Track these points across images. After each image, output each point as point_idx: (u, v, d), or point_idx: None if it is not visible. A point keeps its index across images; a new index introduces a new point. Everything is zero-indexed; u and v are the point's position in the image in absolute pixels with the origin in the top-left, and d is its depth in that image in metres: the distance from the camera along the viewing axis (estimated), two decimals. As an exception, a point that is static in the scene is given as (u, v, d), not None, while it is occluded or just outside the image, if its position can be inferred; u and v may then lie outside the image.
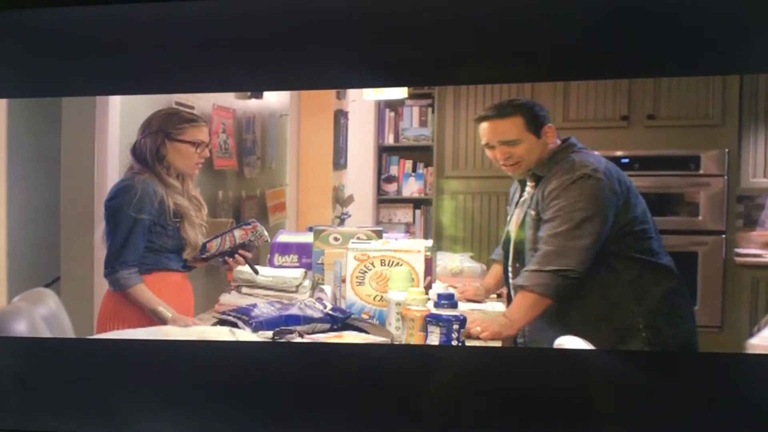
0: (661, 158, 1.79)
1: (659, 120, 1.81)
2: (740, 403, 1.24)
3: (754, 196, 1.71)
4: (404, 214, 2.26)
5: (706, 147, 1.77)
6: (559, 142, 1.60)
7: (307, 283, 1.79)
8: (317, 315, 1.56)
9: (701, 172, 1.77)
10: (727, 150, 1.74)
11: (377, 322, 1.63)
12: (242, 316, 1.55)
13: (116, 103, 1.77)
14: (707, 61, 1.30)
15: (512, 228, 1.66)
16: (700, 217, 1.77)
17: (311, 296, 1.73)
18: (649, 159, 1.78)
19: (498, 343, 1.50)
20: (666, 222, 1.78)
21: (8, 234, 1.64)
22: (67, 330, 1.62)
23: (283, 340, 1.48)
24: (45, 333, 1.56)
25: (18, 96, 1.58)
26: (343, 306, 1.66)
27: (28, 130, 1.66)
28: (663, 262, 1.55)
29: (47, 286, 1.67)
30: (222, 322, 1.58)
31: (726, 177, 1.75)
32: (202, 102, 1.91)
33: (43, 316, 1.59)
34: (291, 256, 1.86)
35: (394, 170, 2.28)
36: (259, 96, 2.17)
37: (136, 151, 1.69)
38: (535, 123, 1.59)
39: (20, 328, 1.54)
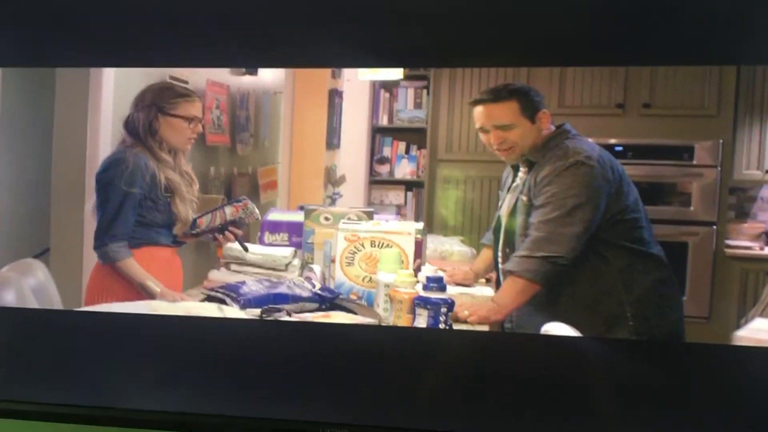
0: (655, 147, 1.77)
1: (655, 109, 1.79)
2: (725, 394, 1.25)
3: (747, 188, 1.70)
4: (396, 196, 2.24)
5: (701, 137, 1.75)
6: (553, 128, 1.60)
7: (296, 262, 1.79)
8: (306, 294, 1.57)
9: (694, 162, 1.76)
10: (721, 141, 1.73)
11: (365, 303, 1.63)
12: (231, 293, 1.55)
13: (110, 75, 1.76)
14: (705, 51, 1.30)
15: (503, 213, 1.66)
16: (691, 208, 1.76)
17: (300, 275, 1.73)
18: (643, 148, 1.77)
19: (485, 328, 1.51)
20: (657, 212, 1.77)
21: (-2, 204, 1.63)
22: (55, 301, 1.62)
23: (270, 318, 1.48)
24: (33, 304, 1.57)
25: (12, 65, 1.57)
26: (331, 286, 1.66)
27: (22, 100, 1.65)
28: (653, 252, 1.55)
29: (36, 257, 1.67)
30: (210, 299, 1.58)
31: (719, 168, 1.74)
32: (197, 77, 1.89)
33: (31, 286, 1.59)
34: (281, 234, 1.85)
35: (387, 151, 2.26)
36: (253, 73, 2.15)
37: (129, 125, 1.69)
38: (529, 108, 1.58)
39: (8, 298, 1.55)
